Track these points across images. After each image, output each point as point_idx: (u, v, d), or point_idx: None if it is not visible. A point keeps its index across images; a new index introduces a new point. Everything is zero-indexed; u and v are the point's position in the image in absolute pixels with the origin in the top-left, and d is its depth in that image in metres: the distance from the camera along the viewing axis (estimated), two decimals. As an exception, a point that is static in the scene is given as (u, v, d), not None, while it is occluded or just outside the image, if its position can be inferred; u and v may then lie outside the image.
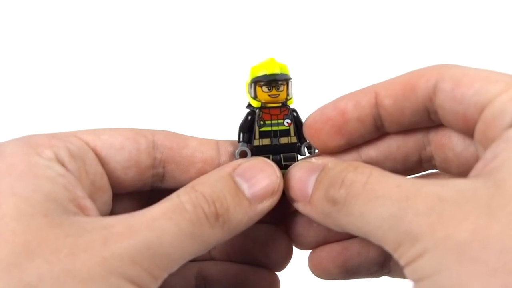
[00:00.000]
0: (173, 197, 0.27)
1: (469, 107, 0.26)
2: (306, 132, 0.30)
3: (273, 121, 0.32)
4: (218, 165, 0.31)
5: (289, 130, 0.32)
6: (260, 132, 0.31)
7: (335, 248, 0.32)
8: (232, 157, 0.31)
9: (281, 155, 0.32)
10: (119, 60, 0.69)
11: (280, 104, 0.32)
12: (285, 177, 0.30)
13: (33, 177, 0.26)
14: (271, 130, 0.32)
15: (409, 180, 0.25)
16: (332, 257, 0.32)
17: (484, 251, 0.21)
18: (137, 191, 0.31)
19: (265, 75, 0.31)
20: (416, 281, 0.23)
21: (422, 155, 0.31)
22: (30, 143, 0.27)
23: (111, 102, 0.67)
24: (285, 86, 0.31)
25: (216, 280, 0.34)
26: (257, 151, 0.31)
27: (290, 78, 0.31)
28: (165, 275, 0.26)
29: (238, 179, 0.29)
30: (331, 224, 0.27)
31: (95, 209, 0.27)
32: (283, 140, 0.32)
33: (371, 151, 0.31)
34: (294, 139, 0.32)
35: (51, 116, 0.67)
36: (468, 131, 0.27)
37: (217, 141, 0.32)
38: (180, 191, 0.27)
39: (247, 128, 0.32)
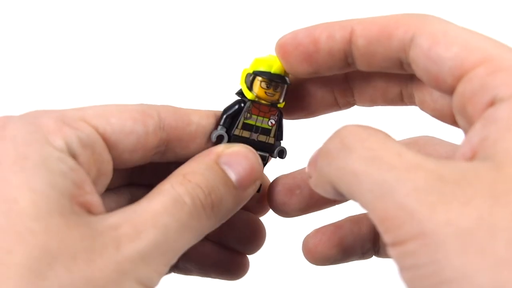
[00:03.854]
0: (167, 188, 0.27)
1: (442, 70, 0.25)
2: (276, 50, 0.30)
3: (259, 117, 0.32)
4: None
5: (270, 130, 0.32)
6: (243, 123, 0.32)
7: (329, 228, 0.33)
8: None
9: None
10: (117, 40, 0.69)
11: (271, 103, 0.32)
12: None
13: (47, 171, 0.25)
14: (254, 125, 0.32)
15: (410, 152, 0.23)
16: (327, 238, 0.33)
17: (491, 241, 0.20)
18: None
19: (269, 73, 0.31)
20: (405, 268, 0.21)
21: (403, 91, 0.31)
22: (41, 128, 0.26)
23: (109, 73, 0.67)
24: (282, 89, 0.32)
25: (187, 256, 0.34)
26: (234, 140, 0.32)
27: (289, 84, 0.32)
28: (167, 270, 0.26)
29: (225, 167, 0.29)
30: (319, 176, 0.26)
31: (100, 204, 0.26)
32: (262, 137, 0.32)
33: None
34: (271, 140, 0.33)
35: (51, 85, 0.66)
36: (440, 90, 0.26)
37: (215, 113, 0.32)
38: (173, 181, 0.28)
39: (231, 114, 0.32)
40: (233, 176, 0.29)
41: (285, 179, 0.33)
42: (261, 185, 0.32)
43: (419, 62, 0.26)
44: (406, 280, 0.21)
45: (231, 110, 0.32)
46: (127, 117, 0.28)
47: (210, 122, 0.31)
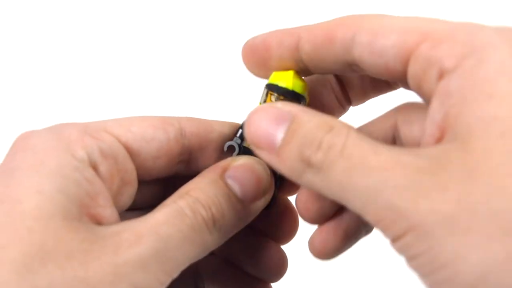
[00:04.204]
0: (169, 202, 0.27)
1: (389, 60, 0.25)
2: (241, 53, 0.30)
3: None
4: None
5: None
6: None
7: (331, 224, 0.31)
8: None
9: None
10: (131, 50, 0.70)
11: None
12: (245, 120, 0.27)
13: (60, 177, 0.25)
14: None
15: (386, 147, 0.24)
16: (333, 234, 0.31)
17: (475, 220, 0.21)
18: (161, 178, 0.31)
19: (280, 88, 0.30)
20: (409, 258, 0.22)
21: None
22: (63, 138, 0.27)
23: (125, 89, 0.68)
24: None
25: (212, 280, 0.34)
26: (245, 152, 0.31)
27: (304, 99, 0.31)
28: (169, 280, 0.26)
29: (229, 181, 0.29)
30: (304, 185, 0.27)
31: (113, 218, 0.27)
32: None
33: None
34: None
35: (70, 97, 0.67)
36: (394, 79, 0.26)
37: (236, 124, 0.32)
38: (175, 196, 0.28)
39: None
40: (237, 189, 0.29)
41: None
42: (273, 202, 0.31)
43: (364, 59, 0.26)
44: (413, 268, 0.23)
45: None
46: (148, 125, 0.29)
47: (232, 131, 0.31)
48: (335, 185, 0.24)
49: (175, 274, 0.26)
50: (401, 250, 0.23)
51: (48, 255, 0.23)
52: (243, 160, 0.30)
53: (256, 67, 0.30)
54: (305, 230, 0.33)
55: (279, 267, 0.34)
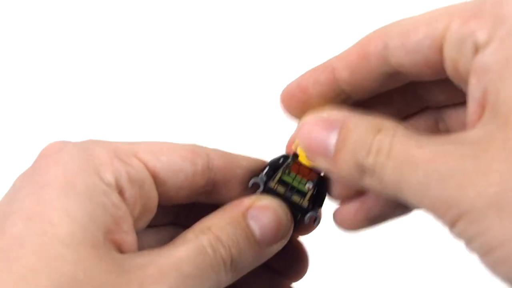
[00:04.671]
0: (191, 237, 0.28)
1: (425, 52, 0.26)
2: (280, 102, 0.30)
3: (297, 177, 0.32)
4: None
5: (306, 193, 0.32)
6: (280, 179, 0.31)
7: (354, 205, 0.31)
8: None
9: None
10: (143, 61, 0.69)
11: (313, 167, 0.31)
12: (297, 132, 0.29)
13: (89, 201, 0.26)
14: (291, 184, 0.32)
15: (429, 138, 0.24)
16: (354, 213, 0.31)
17: None
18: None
19: None
20: (467, 242, 0.23)
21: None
22: (91, 159, 0.27)
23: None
24: None
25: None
26: (268, 192, 0.31)
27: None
28: None
29: (251, 222, 0.29)
30: (365, 187, 0.27)
31: (133, 244, 0.27)
32: (296, 198, 0.31)
33: None
34: (305, 204, 0.32)
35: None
36: (437, 73, 0.26)
37: (264, 162, 0.32)
38: (197, 231, 0.28)
39: (274, 167, 0.31)
40: (257, 231, 0.29)
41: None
42: (289, 243, 0.31)
43: (402, 62, 0.26)
44: (471, 250, 0.23)
45: (274, 162, 0.32)
46: (177, 155, 0.29)
47: (258, 167, 0.31)
48: (390, 186, 0.25)
49: None
50: (458, 236, 0.23)
51: (79, 286, 0.24)
52: (267, 201, 0.30)
53: (297, 111, 0.30)
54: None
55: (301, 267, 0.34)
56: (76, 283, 0.24)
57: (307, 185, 0.31)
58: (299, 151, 0.31)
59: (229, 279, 0.28)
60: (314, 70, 0.29)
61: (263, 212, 0.30)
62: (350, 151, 0.26)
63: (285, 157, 0.32)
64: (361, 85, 0.28)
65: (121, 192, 0.27)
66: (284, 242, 0.30)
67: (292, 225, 0.30)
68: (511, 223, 0.22)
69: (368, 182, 0.26)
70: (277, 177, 0.31)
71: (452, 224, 0.23)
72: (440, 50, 0.25)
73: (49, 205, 0.25)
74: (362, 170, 0.26)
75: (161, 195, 0.29)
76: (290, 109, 0.30)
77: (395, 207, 0.30)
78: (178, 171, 0.29)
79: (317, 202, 0.32)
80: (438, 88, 0.29)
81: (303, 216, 0.31)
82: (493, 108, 0.23)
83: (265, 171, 0.31)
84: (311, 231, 0.33)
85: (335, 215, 0.31)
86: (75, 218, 0.25)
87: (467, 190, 0.22)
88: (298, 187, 0.31)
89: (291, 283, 0.34)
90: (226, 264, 0.27)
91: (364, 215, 0.31)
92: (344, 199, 0.31)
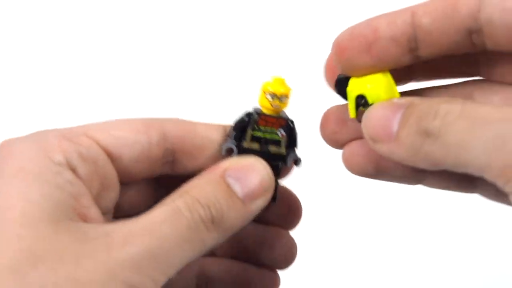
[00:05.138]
0: (168, 201, 0.27)
1: None
2: (333, 49, 0.29)
3: (267, 128, 0.32)
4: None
5: (280, 141, 0.32)
6: (252, 136, 0.32)
7: (362, 148, 0.30)
8: None
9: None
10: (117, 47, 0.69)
11: (278, 115, 0.32)
12: (364, 117, 0.28)
13: (42, 183, 0.26)
14: (263, 137, 0.32)
15: (503, 106, 0.24)
16: (362, 156, 0.30)
17: None
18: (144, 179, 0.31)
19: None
20: None
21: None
22: (41, 144, 0.27)
23: (110, 88, 0.68)
24: (288, 99, 0.31)
25: (217, 279, 0.34)
26: (244, 153, 0.31)
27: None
28: (165, 280, 0.26)
29: (230, 180, 0.29)
30: (421, 161, 0.26)
31: (99, 217, 0.27)
32: (273, 149, 0.32)
33: None
34: (283, 150, 0.32)
35: (52, 101, 0.67)
36: None
37: (224, 126, 0.32)
38: (175, 196, 0.28)
39: (240, 127, 0.32)
40: (238, 189, 0.29)
41: (338, 110, 0.31)
42: (276, 194, 0.31)
43: (494, 20, 0.25)
44: None
45: (239, 122, 0.32)
46: (130, 129, 0.29)
47: (217, 134, 0.31)
48: (455, 147, 0.24)
49: (172, 274, 0.26)
50: None
51: (39, 258, 0.24)
52: (245, 160, 0.30)
53: (359, 55, 0.28)
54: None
55: (289, 252, 0.34)
56: (35, 258, 0.24)
57: (279, 133, 0.32)
58: (272, 87, 0.31)
59: (215, 238, 0.28)
60: (388, 13, 0.28)
61: (242, 170, 0.29)
62: (414, 122, 0.26)
63: (248, 114, 0.32)
64: (439, 37, 0.27)
65: (74, 171, 0.27)
66: (269, 195, 0.30)
67: (273, 176, 0.30)
68: None
69: (429, 149, 0.25)
70: (248, 136, 0.31)
71: None
72: None
73: (5, 194, 0.26)
74: (425, 135, 0.25)
75: (120, 171, 0.29)
76: (349, 52, 0.28)
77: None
78: (132, 144, 0.29)
79: (291, 144, 0.32)
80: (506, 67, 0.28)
81: (285, 162, 0.32)
82: None
83: (233, 134, 0.31)
84: (291, 171, 0.33)
85: (344, 154, 0.31)
86: (30, 200, 0.25)
87: None
88: (272, 138, 0.32)
89: (287, 232, 0.34)
90: (206, 224, 0.27)
91: (372, 162, 0.30)
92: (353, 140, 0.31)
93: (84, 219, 0.27)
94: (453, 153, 0.24)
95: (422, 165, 0.26)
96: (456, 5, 0.26)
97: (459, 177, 0.28)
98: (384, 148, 0.27)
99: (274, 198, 0.31)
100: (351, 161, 0.31)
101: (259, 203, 0.29)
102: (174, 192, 0.28)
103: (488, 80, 0.29)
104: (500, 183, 0.24)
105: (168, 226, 0.26)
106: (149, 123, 0.30)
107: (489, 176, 0.24)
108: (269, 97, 0.31)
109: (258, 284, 0.34)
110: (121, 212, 0.31)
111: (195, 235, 0.27)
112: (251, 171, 0.29)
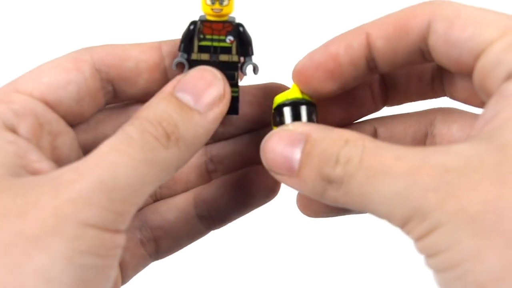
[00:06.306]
0: (118, 131, 0.26)
1: (463, 53, 0.25)
2: (295, 78, 0.29)
3: (214, 36, 0.30)
4: (164, 69, 0.30)
5: (230, 48, 0.30)
6: (199, 46, 0.30)
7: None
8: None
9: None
10: None
11: (224, 19, 0.30)
12: (261, 148, 0.28)
13: None
14: (211, 46, 0.30)
15: (407, 150, 0.24)
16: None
17: (499, 223, 0.21)
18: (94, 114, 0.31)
19: (294, 101, 0.29)
20: (429, 256, 0.23)
21: (434, 83, 0.31)
22: None
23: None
24: (231, 1, 0.29)
25: (216, 204, 0.33)
26: (194, 65, 0.29)
27: (314, 106, 0.30)
28: (131, 209, 0.25)
29: (179, 94, 0.27)
30: (329, 202, 0.26)
31: (52, 169, 0.26)
32: (223, 57, 0.30)
33: None
34: (235, 58, 0.30)
35: None
36: (462, 72, 0.27)
37: (160, 44, 0.30)
38: (125, 124, 0.26)
39: (188, 38, 0.30)
40: (190, 101, 0.27)
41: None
42: (238, 106, 0.30)
43: (438, 49, 0.26)
44: (430, 266, 0.23)
45: (186, 34, 0.30)
46: (60, 70, 0.28)
47: (153, 55, 0.30)
48: (358, 196, 0.24)
49: (137, 201, 0.25)
50: (423, 249, 0.23)
51: None
52: (192, 71, 0.28)
53: (324, 83, 0.29)
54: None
55: (273, 184, 0.33)
56: None
57: (227, 39, 0.30)
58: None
59: (176, 154, 0.26)
60: (343, 36, 0.28)
61: (189, 81, 0.28)
62: (315, 164, 0.25)
63: (193, 22, 0.30)
64: (394, 56, 0.28)
65: (14, 130, 0.27)
66: (226, 103, 0.28)
67: (227, 84, 0.29)
68: (481, 245, 0.21)
69: (332, 194, 0.25)
70: (195, 47, 0.30)
71: (422, 237, 0.23)
72: (476, 57, 0.25)
73: None
74: (327, 182, 0.25)
75: (64, 115, 0.28)
76: (312, 81, 0.29)
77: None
78: (66, 85, 0.28)
79: (245, 50, 0.30)
80: (461, 84, 0.29)
81: (241, 70, 0.30)
82: (493, 132, 0.23)
83: (181, 47, 0.30)
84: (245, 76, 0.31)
85: (298, 201, 0.32)
86: None
87: (448, 204, 0.22)
88: (220, 45, 0.30)
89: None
90: (161, 141, 0.26)
91: (324, 205, 0.30)
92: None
93: (37, 173, 0.26)
94: (357, 201, 0.24)
95: (328, 203, 0.26)
96: (408, 29, 0.27)
97: None
98: (288, 182, 0.27)
99: (236, 110, 0.30)
100: (307, 211, 0.31)
101: (217, 111, 0.28)
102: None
103: (449, 109, 0.30)
104: (404, 231, 0.24)
105: (116, 154, 0.24)
106: (77, 57, 0.29)
107: (393, 224, 0.24)
108: (208, 1, 0.29)
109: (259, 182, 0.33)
110: None
111: (152, 155, 0.25)
112: (199, 80, 0.28)
